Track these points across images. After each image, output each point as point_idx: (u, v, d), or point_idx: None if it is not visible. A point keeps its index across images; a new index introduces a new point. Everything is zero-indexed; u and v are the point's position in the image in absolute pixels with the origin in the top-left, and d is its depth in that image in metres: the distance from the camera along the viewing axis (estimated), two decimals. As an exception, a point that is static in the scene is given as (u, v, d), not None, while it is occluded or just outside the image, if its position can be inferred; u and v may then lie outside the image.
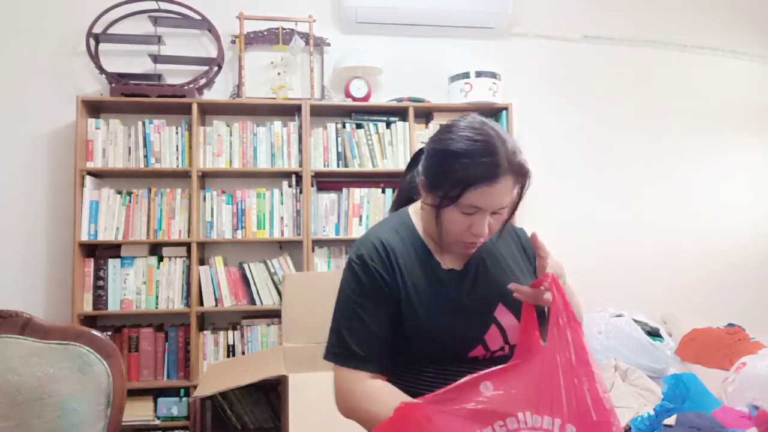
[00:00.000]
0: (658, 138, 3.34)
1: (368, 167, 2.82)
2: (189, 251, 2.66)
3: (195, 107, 2.67)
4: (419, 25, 3.05)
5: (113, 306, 2.61)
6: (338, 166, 2.82)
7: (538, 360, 0.87)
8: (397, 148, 2.87)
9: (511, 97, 2.97)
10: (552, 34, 3.25)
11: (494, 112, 2.99)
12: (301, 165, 2.76)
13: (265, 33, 2.91)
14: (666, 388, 1.19)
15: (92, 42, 2.71)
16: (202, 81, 2.81)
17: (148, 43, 2.78)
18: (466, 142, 0.99)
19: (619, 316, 2.65)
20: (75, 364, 1.34)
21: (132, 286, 2.63)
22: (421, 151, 1.13)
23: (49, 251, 2.75)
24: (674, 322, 3.00)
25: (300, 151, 2.78)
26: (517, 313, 1.03)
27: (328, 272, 2.77)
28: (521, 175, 1.01)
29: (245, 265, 2.73)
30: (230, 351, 2.68)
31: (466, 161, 0.97)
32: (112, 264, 2.62)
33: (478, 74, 2.86)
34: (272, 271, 2.73)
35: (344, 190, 2.83)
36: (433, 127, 2.89)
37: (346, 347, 1.02)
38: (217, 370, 2.46)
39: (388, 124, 2.88)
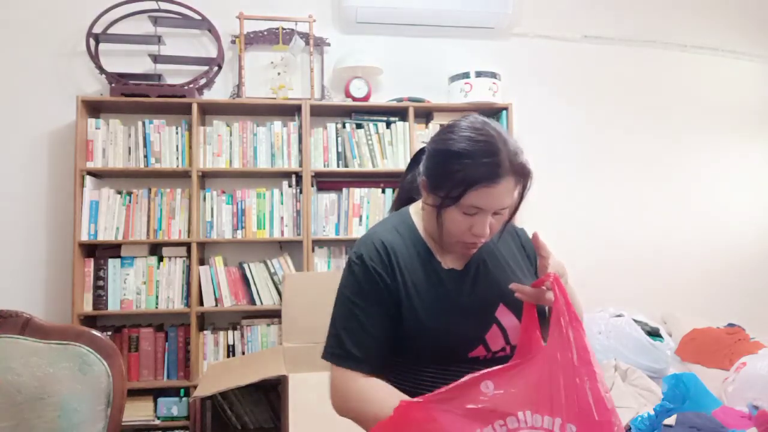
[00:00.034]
0: (658, 138, 3.34)
1: (368, 167, 2.82)
2: (189, 251, 2.66)
3: (195, 107, 2.67)
4: (419, 25, 3.05)
5: (113, 306, 2.61)
6: (338, 166, 2.82)
7: (539, 360, 0.86)
8: (397, 148, 2.87)
9: (511, 97, 2.97)
10: (552, 34, 3.25)
11: (494, 112, 2.99)
12: (301, 165, 2.76)
13: (265, 33, 2.91)
14: (666, 388, 1.19)
15: (92, 42, 2.71)
16: (202, 81, 2.81)
17: (148, 43, 2.78)
18: (468, 143, 0.99)
19: (619, 316, 2.65)
20: (75, 364, 1.34)
21: (132, 286, 2.63)
22: (422, 150, 1.13)
23: (49, 251, 2.75)
24: (674, 322, 3.00)
25: (300, 151, 2.78)
26: (518, 314, 1.03)
27: (328, 272, 2.77)
28: (523, 175, 1.00)
29: (245, 265, 2.73)
30: (230, 351, 2.67)
31: (467, 162, 0.97)
32: (112, 264, 2.62)
33: (478, 74, 2.87)
34: (272, 271, 2.73)
35: (344, 190, 2.83)
36: (433, 127, 2.89)
37: (342, 347, 1.02)
38: (217, 370, 2.46)
39: (388, 124, 2.88)
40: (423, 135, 2.88)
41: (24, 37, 2.79)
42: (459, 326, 1.03)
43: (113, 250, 2.66)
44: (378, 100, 2.98)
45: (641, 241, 3.27)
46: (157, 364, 2.63)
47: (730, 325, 2.91)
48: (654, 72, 3.36)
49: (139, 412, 2.55)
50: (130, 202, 2.65)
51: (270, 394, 2.61)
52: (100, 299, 2.59)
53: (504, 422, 0.84)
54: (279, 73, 2.89)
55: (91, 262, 2.61)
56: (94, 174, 2.69)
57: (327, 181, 2.90)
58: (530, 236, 1.11)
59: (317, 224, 2.80)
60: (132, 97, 2.64)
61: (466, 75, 2.88)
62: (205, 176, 2.84)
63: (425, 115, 2.99)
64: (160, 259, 2.67)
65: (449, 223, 1.02)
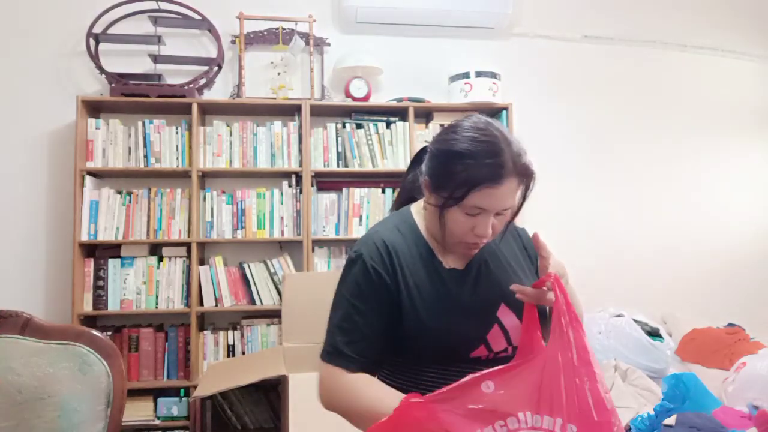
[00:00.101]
0: (658, 138, 3.34)
1: (368, 167, 2.82)
2: (189, 251, 2.66)
3: (195, 107, 2.67)
4: (419, 25, 3.05)
5: (113, 306, 2.60)
6: (338, 166, 2.82)
7: (539, 360, 0.86)
8: (397, 148, 2.87)
9: (511, 97, 2.97)
10: (552, 34, 3.25)
11: (494, 112, 2.99)
12: (301, 165, 2.76)
13: (265, 33, 2.91)
14: (666, 388, 1.19)
15: (92, 42, 2.71)
16: (202, 81, 2.81)
17: (148, 43, 2.78)
18: (471, 143, 0.98)
19: (619, 316, 2.65)
20: (75, 364, 1.34)
21: (132, 286, 2.63)
22: (423, 150, 1.13)
23: (49, 251, 2.75)
24: (674, 322, 3.00)
25: (300, 151, 2.78)
26: (520, 314, 1.03)
27: (328, 272, 2.77)
28: (526, 176, 1.00)
29: (245, 265, 2.73)
30: (230, 351, 2.67)
31: (470, 162, 0.97)
32: (112, 264, 2.62)
33: (478, 74, 2.87)
34: (272, 271, 2.73)
35: (344, 190, 2.83)
36: (433, 127, 2.89)
37: (334, 345, 1.02)
38: (217, 370, 2.46)
39: (388, 124, 2.88)
40: (423, 135, 2.88)
41: (24, 37, 2.79)
42: (460, 326, 1.03)
43: (113, 250, 2.66)
44: (378, 100, 2.98)
45: (641, 241, 3.27)
46: (157, 364, 2.63)
47: (730, 325, 2.91)
48: (654, 72, 3.36)
49: (139, 412, 2.55)
50: (130, 202, 2.65)
51: (270, 394, 2.61)
52: (100, 299, 2.59)
53: (504, 422, 0.84)
54: (279, 73, 2.89)
55: (91, 262, 2.61)
56: (94, 174, 2.69)
57: (327, 181, 2.90)
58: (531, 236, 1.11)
59: (317, 224, 2.80)
60: (132, 97, 2.64)
61: (466, 75, 2.88)
62: (205, 176, 2.84)
63: (425, 115, 2.99)
64: (160, 259, 2.67)
65: (451, 223, 1.02)
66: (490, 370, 0.86)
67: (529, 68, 3.21)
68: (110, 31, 2.79)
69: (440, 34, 3.11)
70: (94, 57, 2.71)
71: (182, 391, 2.62)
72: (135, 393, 2.56)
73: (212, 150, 2.74)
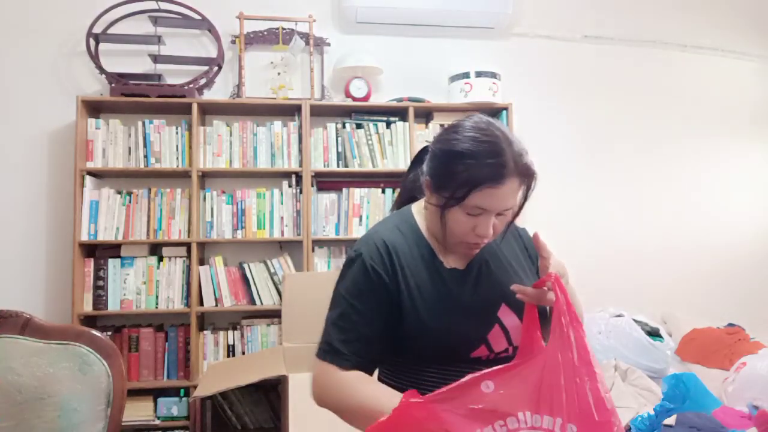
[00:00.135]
0: (658, 138, 3.34)
1: (368, 167, 2.82)
2: (189, 251, 2.66)
3: (195, 107, 2.67)
4: (419, 25, 3.05)
5: (113, 306, 2.60)
6: (338, 166, 2.82)
7: (539, 360, 0.86)
8: (397, 148, 2.87)
9: (511, 97, 2.97)
10: (552, 34, 3.25)
11: (494, 112, 2.99)
12: (301, 165, 2.76)
13: (265, 33, 2.91)
14: (666, 388, 1.19)
15: (92, 42, 2.71)
16: (202, 81, 2.81)
17: (148, 43, 2.78)
18: (472, 143, 0.98)
19: (619, 316, 2.65)
20: (75, 364, 1.34)
21: (132, 286, 2.63)
22: (424, 149, 1.13)
23: (49, 251, 2.75)
24: (674, 322, 3.00)
25: (300, 151, 2.78)
26: (521, 314, 1.02)
27: (328, 272, 2.77)
28: (527, 176, 1.00)
29: (245, 265, 2.73)
30: (230, 351, 2.67)
31: (471, 162, 0.97)
32: (112, 264, 2.62)
33: (478, 74, 2.87)
34: (272, 271, 2.73)
35: (344, 190, 2.83)
36: (433, 127, 2.89)
37: (330, 343, 1.02)
38: (217, 370, 2.46)
39: (388, 124, 2.88)
40: (423, 135, 2.88)
41: (24, 37, 2.79)
42: (461, 326, 1.03)
43: (113, 250, 2.66)
44: (378, 100, 2.98)
45: (641, 241, 3.27)
46: (157, 364, 2.63)
47: (730, 325, 2.91)
48: (654, 72, 3.36)
49: (139, 412, 2.55)
50: (130, 202, 2.65)
51: (270, 394, 2.61)
52: (100, 299, 2.59)
53: (504, 422, 0.84)
54: (279, 73, 2.89)
55: (91, 262, 2.61)
56: (94, 174, 2.69)
57: (327, 181, 2.90)
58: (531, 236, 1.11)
59: (317, 224, 2.79)
60: (132, 97, 2.64)
61: (466, 75, 2.88)
62: (205, 176, 2.84)
63: (425, 115, 2.99)
64: (160, 259, 2.67)
65: (453, 223, 1.02)
66: (490, 369, 0.86)
67: (529, 68, 3.21)
68: (110, 31, 2.79)
69: (440, 34, 3.11)
70: (94, 57, 2.71)
71: (182, 391, 2.62)
72: (135, 393, 2.56)
73: (212, 150, 2.74)
